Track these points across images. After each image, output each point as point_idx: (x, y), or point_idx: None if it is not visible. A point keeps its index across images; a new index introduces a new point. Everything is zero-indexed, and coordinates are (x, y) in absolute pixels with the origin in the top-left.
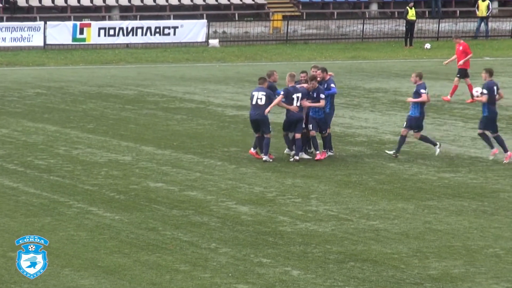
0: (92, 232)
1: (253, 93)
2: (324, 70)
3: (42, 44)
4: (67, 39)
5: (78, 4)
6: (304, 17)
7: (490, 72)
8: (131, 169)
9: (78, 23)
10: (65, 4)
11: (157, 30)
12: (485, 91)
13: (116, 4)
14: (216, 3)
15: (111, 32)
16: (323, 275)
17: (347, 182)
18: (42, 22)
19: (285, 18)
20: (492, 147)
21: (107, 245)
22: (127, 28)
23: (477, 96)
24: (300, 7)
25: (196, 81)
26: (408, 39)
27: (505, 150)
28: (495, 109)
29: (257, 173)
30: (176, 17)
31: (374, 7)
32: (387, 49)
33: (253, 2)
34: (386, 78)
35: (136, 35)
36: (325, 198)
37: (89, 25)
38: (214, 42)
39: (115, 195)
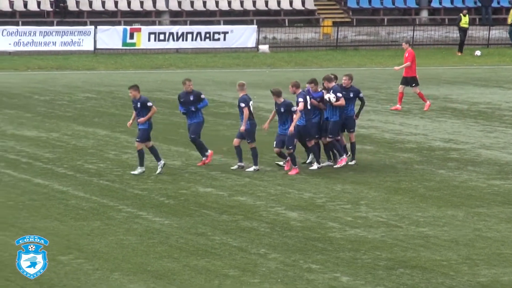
0: (142, 236)
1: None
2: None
3: (92, 48)
4: (117, 44)
5: (128, 9)
6: (354, 23)
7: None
8: (181, 174)
9: (128, 27)
10: (115, 9)
11: (207, 35)
12: (339, 95)
13: (166, 9)
14: (266, 8)
15: (161, 37)
16: (372, 282)
17: (396, 188)
18: (93, 27)
19: (335, 24)
20: None
21: (157, 250)
22: (177, 33)
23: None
24: (351, 13)
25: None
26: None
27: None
28: None
29: (306, 178)
30: (226, 23)
31: (424, 13)
32: (437, 56)
33: (303, 8)
34: (436, 85)
35: (186, 40)
36: (375, 205)
37: (139, 30)
38: (264, 47)
39: (165, 199)
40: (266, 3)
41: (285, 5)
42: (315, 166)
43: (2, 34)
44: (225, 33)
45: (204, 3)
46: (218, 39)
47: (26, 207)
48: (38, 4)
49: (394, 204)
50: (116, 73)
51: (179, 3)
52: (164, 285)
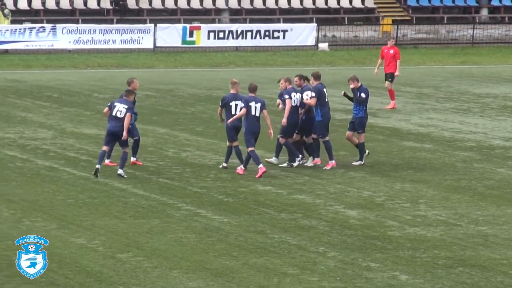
0: (201, 234)
1: (115, 103)
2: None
3: (152, 46)
4: (176, 42)
5: (188, 7)
6: (414, 22)
7: (316, 76)
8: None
9: (188, 25)
10: (175, 7)
11: (267, 33)
12: (313, 94)
13: (226, 7)
14: (326, 7)
15: (221, 35)
16: (431, 280)
17: (456, 187)
18: (152, 25)
19: (394, 22)
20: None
21: (216, 248)
22: (236, 31)
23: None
24: (410, 11)
25: None
26: None
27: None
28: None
29: (365, 177)
30: (285, 21)
31: (484, 12)
32: (497, 54)
33: (363, 6)
34: (496, 83)
35: (246, 38)
36: (434, 203)
37: (199, 28)
38: (323, 46)
39: (224, 197)
40: (326, 1)
41: (344, 3)
42: (309, 162)
43: (62, 32)
44: (284, 31)
45: (264, 1)
46: (278, 37)
47: (86, 204)
48: (98, 2)
49: (453, 202)
50: (175, 71)
51: (239, 1)
52: (223, 283)
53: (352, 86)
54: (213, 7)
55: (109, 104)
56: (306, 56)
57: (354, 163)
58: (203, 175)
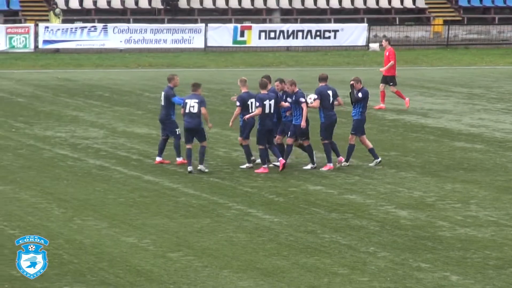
0: (251, 234)
1: (186, 100)
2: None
3: (203, 46)
4: (227, 42)
5: (239, 7)
6: (465, 22)
7: (321, 78)
8: (291, 172)
9: (239, 25)
10: (226, 7)
11: (318, 33)
12: (315, 96)
13: (277, 7)
14: (377, 7)
15: (272, 35)
16: (482, 281)
17: (507, 188)
18: (203, 24)
19: (446, 22)
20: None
21: (266, 247)
22: (287, 31)
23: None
24: (461, 11)
25: None
26: None
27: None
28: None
29: (416, 177)
30: (336, 21)
31: None
32: None
33: (414, 7)
34: None
35: (297, 38)
36: (485, 204)
37: (250, 28)
38: (374, 46)
39: (275, 197)
40: (377, 2)
41: (396, 3)
42: (309, 166)
43: (113, 32)
44: (335, 31)
45: (315, 1)
46: (329, 37)
47: (137, 203)
48: (149, 1)
49: (504, 203)
50: (226, 70)
51: (290, 1)
52: (273, 282)
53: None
54: (264, 7)
55: (182, 103)
56: (357, 56)
57: (370, 164)
58: (254, 174)
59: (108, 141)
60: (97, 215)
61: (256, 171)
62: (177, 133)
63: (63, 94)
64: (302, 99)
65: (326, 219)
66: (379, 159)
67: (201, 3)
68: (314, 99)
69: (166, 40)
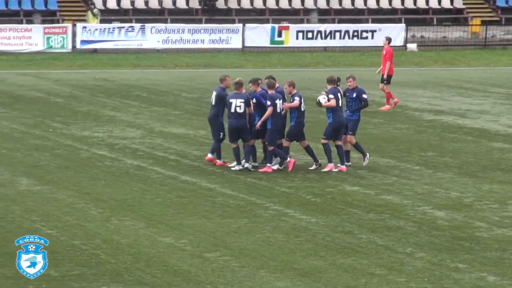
0: (288, 234)
1: (230, 100)
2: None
3: (240, 46)
4: (265, 42)
5: (277, 7)
6: (503, 22)
7: (330, 80)
8: (328, 172)
9: (276, 25)
10: (264, 7)
11: (355, 33)
12: (332, 96)
13: (315, 7)
14: (414, 7)
15: (309, 35)
16: None
17: None
18: (241, 25)
19: (483, 23)
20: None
21: (303, 248)
22: (325, 31)
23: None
24: (499, 12)
25: (394, 85)
26: None
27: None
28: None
29: (454, 178)
30: (374, 21)
31: None
32: None
33: (452, 7)
34: None
35: (334, 38)
36: None
37: (287, 28)
38: (412, 46)
39: (312, 197)
40: (415, 2)
41: (433, 3)
42: (313, 166)
43: (151, 32)
44: (373, 31)
45: (353, 2)
46: (366, 38)
47: (174, 204)
48: (187, 1)
49: None
50: (263, 71)
51: (328, 1)
52: (310, 283)
53: (349, 84)
54: (302, 7)
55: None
56: (394, 56)
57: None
58: (291, 175)
59: (145, 141)
60: (135, 215)
61: (260, 170)
62: (220, 136)
63: (101, 94)
64: (332, 95)
65: (363, 219)
66: (350, 163)
67: (239, 3)
68: (330, 99)
69: (203, 40)
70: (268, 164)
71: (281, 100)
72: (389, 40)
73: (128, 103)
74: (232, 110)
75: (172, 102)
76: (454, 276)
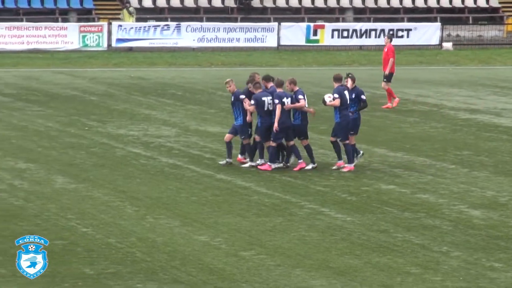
0: (324, 233)
1: (263, 98)
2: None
3: (275, 45)
4: (300, 40)
5: (312, 6)
6: None
7: (337, 78)
8: (363, 171)
9: (311, 24)
10: (299, 5)
11: (391, 32)
12: (336, 96)
13: (350, 6)
14: (450, 6)
15: (345, 34)
16: None
17: None
18: (276, 23)
19: None
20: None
21: (338, 246)
22: (360, 30)
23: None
24: None
25: (430, 84)
26: None
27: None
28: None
29: (489, 177)
30: (409, 20)
31: None
32: None
33: (487, 6)
34: None
35: (370, 37)
36: None
37: (322, 27)
38: (447, 45)
39: (347, 196)
40: (450, 1)
41: (469, 2)
42: (310, 166)
43: (186, 30)
44: (408, 30)
45: (388, 0)
46: (402, 36)
47: (209, 202)
48: (222, 0)
49: None
50: (299, 69)
51: (363, 0)
52: (346, 281)
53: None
54: (337, 6)
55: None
56: (430, 55)
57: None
58: (326, 173)
59: (180, 139)
60: (170, 214)
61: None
62: (249, 132)
63: (136, 93)
64: (301, 96)
65: (398, 218)
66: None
67: (274, 2)
68: (334, 98)
69: (239, 39)
70: (268, 163)
71: (288, 98)
72: (390, 38)
73: (163, 102)
74: (265, 108)
75: (207, 101)
76: (490, 275)
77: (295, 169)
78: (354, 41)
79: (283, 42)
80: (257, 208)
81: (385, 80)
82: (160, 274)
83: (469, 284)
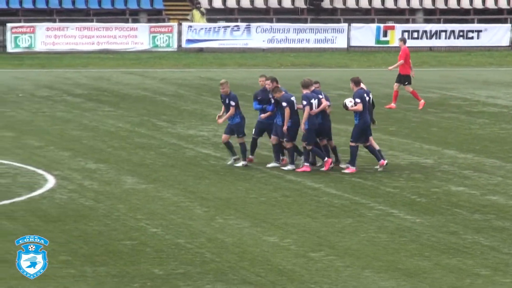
0: (393, 234)
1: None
2: (273, 80)
3: (345, 46)
4: (370, 41)
5: (382, 7)
6: None
7: (356, 82)
8: (433, 172)
9: (382, 25)
10: (369, 6)
11: (461, 33)
12: (358, 100)
13: (420, 7)
14: None
15: (415, 35)
16: None
17: None
18: (346, 24)
19: None
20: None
21: (408, 248)
22: (430, 31)
23: (351, 106)
24: None
25: (500, 86)
26: None
27: (378, 159)
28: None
29: None
30: (480, 21)
31: None
32: None
33: None
34: None
35: (440, 38)
36: None
37: (393, 28)
38: None
39: (416, 198)
40: None
41: None
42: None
43: (256, 31)
44: (478, 31)
45: (458, 1)
46: (472, 38)
47: (279, 203)
48: (293, 1)
49: None
50: (368, 70)
51: (433, 1)
52: (415, 283)
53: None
54: (407, 7)
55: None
56: (500, 56)
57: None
58: (396, 175)
59: (249, 140)
60: (239, 214)
61: (297, 169)
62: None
63: (206, 93)
64: (358, 100)
65: (468, 220)
66: (386, 161)
67: (344, 3)
68: (356, 103)
69: (309, 39)
70: (305, 164)
71: (316, 100)
72: (403, 40)
73: None
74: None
75: None
76: None
77: (297, 169)
78: (424, 42)
79: (353, 43)
80: (327, 209)
81: (406, 83)
82: (229, 275)
83: None
